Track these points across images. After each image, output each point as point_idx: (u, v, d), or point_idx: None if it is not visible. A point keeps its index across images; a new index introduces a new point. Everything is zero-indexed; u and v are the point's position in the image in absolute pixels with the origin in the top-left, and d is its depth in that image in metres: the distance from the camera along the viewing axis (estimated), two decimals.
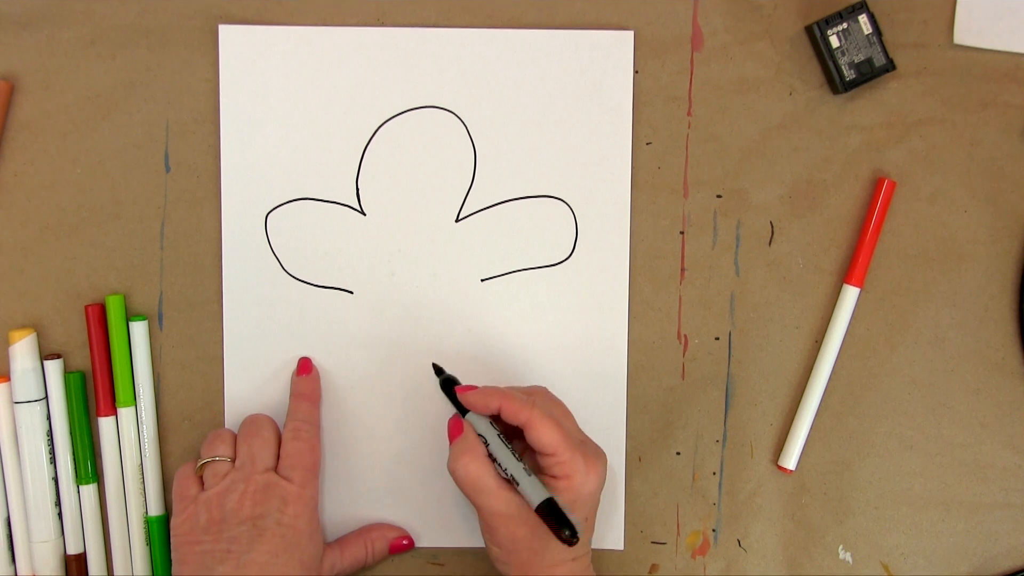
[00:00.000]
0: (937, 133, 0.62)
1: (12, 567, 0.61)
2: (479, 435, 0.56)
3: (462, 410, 0.57)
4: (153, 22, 0.61)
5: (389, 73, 0.61)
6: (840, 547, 0.63)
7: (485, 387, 0.56)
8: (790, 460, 0.62)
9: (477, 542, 0.62)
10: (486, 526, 0.55)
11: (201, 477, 0.58)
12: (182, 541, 0.56)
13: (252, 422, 0.59)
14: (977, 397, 0.62)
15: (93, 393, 0.61)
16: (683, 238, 0.62)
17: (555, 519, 0.51)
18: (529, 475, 0.53)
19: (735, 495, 0.63)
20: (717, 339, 0.62)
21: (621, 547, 0.62)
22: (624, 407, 0.62)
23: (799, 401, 0.62)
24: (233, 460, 0.57)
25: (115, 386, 0.61)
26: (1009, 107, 0.62)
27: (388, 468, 0.62)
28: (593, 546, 0.62)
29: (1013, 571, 0.62)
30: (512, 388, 0.56)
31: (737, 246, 0.62)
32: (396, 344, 0.62)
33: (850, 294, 0.61)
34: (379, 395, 0.62)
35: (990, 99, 0.62)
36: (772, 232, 0.62)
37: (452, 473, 0.55)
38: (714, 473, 0.63)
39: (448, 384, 0.59)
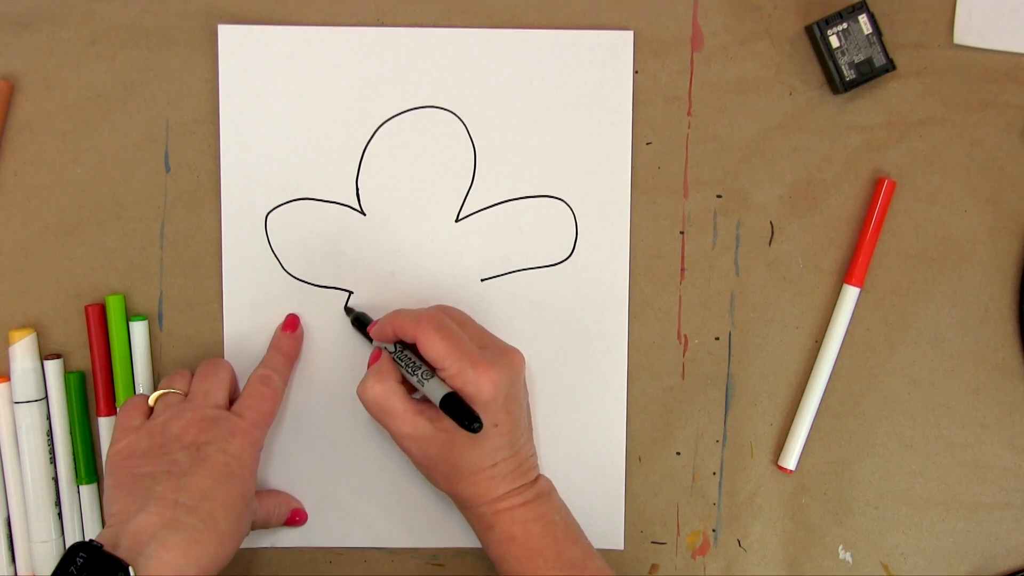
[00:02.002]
0: (937, 133, 0.62)
1: (12, 567, 0.61)
2: (392, 347, 0.57)
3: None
4: (153, 22, 0.61)
5: (389, 73, 0.61)
6: (840, 547, 0.63)
7: (383, 317, 0.57)
8: (790, 460, 0.62)
9: (477, 543, 0.62)
10: (401, 447, 0.56)
11: (151, 410, 0.57)
12: (118, 464, 0.54)
13: (211, 363, 0.58)
14: (977, 397, 0.62)
15: (93, 393, 0.61)
16: (683, 238, 0.62)
17: (456, 412, 0.52)
18: (430, 378, 0.54)
19: (735, 495, 0.63)
20: (717, 339, 0.62)
21: (621, 547, 0.62)
22: (624, 407, 0.62)
23: (799, 401, 0.62)
24: (187, 395, 0.57)
25: (115, 386, 0.61)
26: (1009, 107, 0.62)
27: (388, 468, 0.62)
28: (593, 546, 0.62)
29: (1013, 571, 0.62)
30: (405, 310, 0.57)
31: (737, 246, 0.62)
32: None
33: (850, 294, 0.61)
34: None
35: (990, 99, 0.62)
36: (772, 232, 0.62)
37: (360, 397, 0.55)
38: (714, 473, 0.63)
39: (359, 322, 0.60)
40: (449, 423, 0.54)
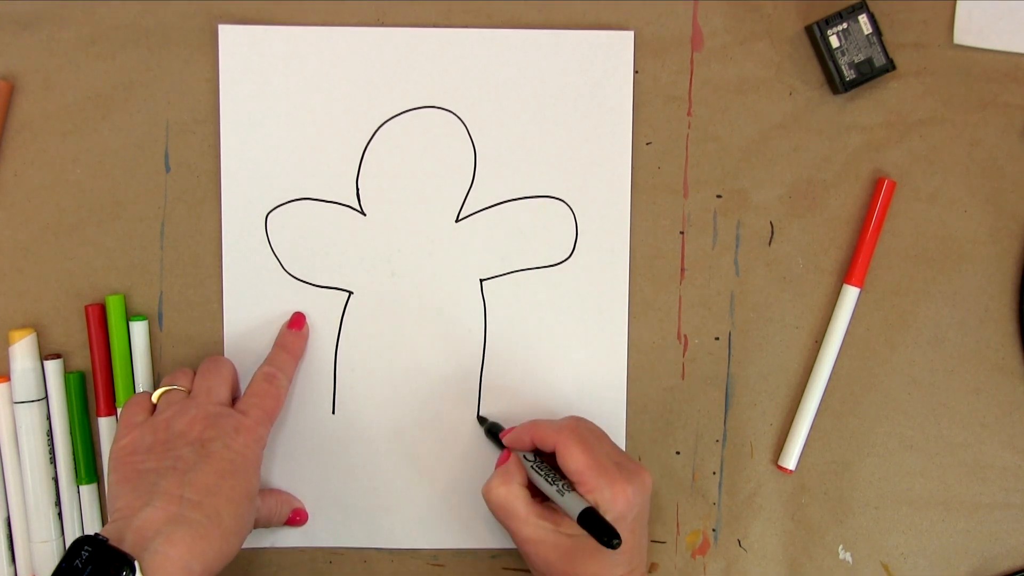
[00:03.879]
0: (937, 133, 0.62)
1: (12, 567, 0.61)
2: (524, 456, 0.57)
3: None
4: (153, 22, 0.61)
5: (389, 73, 0.61)
6: (840, 547, 0.63)
7: (520, 425, 0.57)
8: (790, 460, 0.62)
9: (477, 543, 0.62)
10: (520, 551, 0.56)
11: (155, 407, 0.57)
12: (122, 459, 0.54)
13: (213, 360, 0.58)
14: (977, 397, 0.62)
15: (93, 393, 0.61)
16: (683, 238, 0.62)
17: (595, 527, 0.51)
18: (570, 490, 0.54)
19: (735, 495, 0.63)
20: (717, 339, 0.62)
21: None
22: (624, 407, 0.62)
23: (799, 401, 0.62)
24: (190, 392, 0.57)
25: (115, 386, 0.61)
26: (1009, 107, 0.62)
27: (388, 468, 0.62)
28: None
29: (1013, 571, 0.62)
30: (545, 420, 0.57)
31: (737, 246, 0.62)
32: (396, 344, 0.62)
33: (850, 294, 0.61)
34: (379, 395, 0.62)
35: (990, 99, 0.62)
36: (772, 232, 0.62)
37: (485, 496, 0.56)
38: (714, 473, 0.63)
39: (492, 432, 0.60)
40: (570, 530, 0.54)
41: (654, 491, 0.62)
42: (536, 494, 0.56)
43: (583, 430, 0.55)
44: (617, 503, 0.53)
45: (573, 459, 0.54)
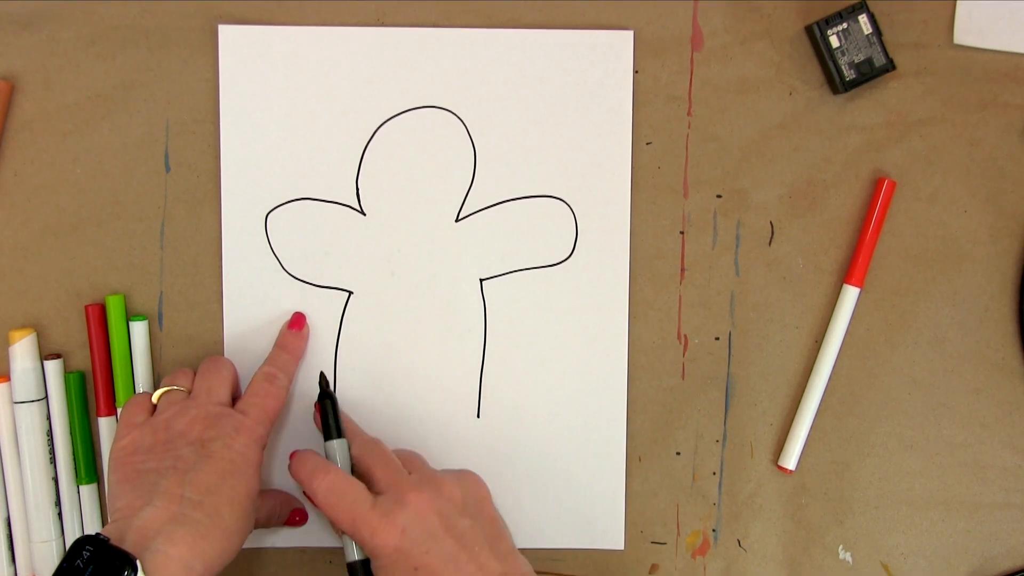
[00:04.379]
0: (937, 133, 0.62)
1: (12, 567, 0.61)
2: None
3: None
4: (153, 22, 0.61)
5: (389, 73, 0.61)
6: (840, 547, 0.63)
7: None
8: (790, 460, 0.62)
9: None
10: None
11: (155, 407, 0.56)
12: (122, 459, 0.53)
13: (213, 360, 0.58)
14: (977, 397, 0.62)
15: (93, 393, 0.61)
16: (683, 238, 0.62)
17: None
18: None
19: (735, 495, 0.63)
20: (717, 339, 0.62)
21: (621, 547, 0.62)
22: (624, 407, 0.62)
23: (799, 401, 0.62)
24: (190, 393, 0.57)
25: (115, 386, 0.61)
26: (1009, 107, 0.62)
27: None
28: (593, 546, 0.62)
29: (1013, 571, 0.62)
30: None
31: (737, 246, 0.62)
32: (396, 344, 0.62)
33: (850, 294, 0.61)
34: (378, 395, 0.62)
35: (990, 99, 0.62)
36: (772, 232, 0.62)
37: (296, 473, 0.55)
38: (714, 473, 0.63)
39: (323, 397, 0.57)
40: None
41: (654, 492, 0.62)
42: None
43: (343, 472, 0.54)
44: (389, 537, 0.51)
45: (330, 516, 0.53)
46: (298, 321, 0.61)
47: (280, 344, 0.60)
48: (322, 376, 0.57)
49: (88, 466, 0.61)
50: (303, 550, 0.62)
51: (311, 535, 0.62)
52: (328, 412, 0.56)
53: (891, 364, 0.62)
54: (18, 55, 0.60)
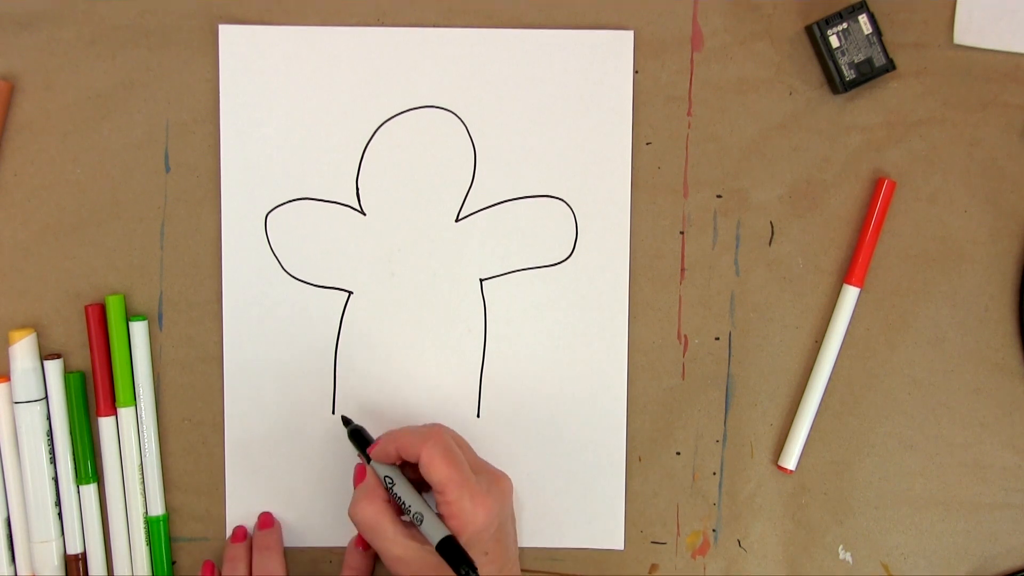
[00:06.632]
0: (937, 133, 0.62)
1: (12, 567, 0.61)
2: (385, 477, 0.56)
3: (368, 458, 0.58)
4: (153, 22, 0.61)
5: (389, 73, 0.61)
6: (840, 547, 0.63)
7: (382, 437, 0.57)
8: (790, 460, 0.62)
9: None
10: (389, 569, 0.56)
11: None
12: None
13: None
14: (977, 397, 0.62)
15: (93, 393, 0.61)
16: (683, 238, 0.62)
17: (451, 557, 0.52)
18: (431, 513, 0.54)
19: (735, 495, 0.63)
20: (717, 339, 0.62)
21: (621, 547, 0.62)
22: (624, 407, 0.62)
23: (799, 401, 0.62)
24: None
25: (115, 386, 0.61)
26: (1009, 107, 0.62)
27: None
28: (593, 546, 0.62)
29: (1013, 571, 0.62)
30: (408, 428, 0.56)
31: (737, 246, 0.62)
32: (396, 344, 0.62)
33: (850, 294, 0.61)
34: (378, 395, 0.62)
35: (990, 99, 0.62)
36: (772, 232, 0.62)
37: (351, 517, 0.56)
38: (714, 473, 0.63)
39: (355, 435, 0.59)
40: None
41: (654, 492, 0.62)
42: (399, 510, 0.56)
43: (447, 439, 0.55)
44: (478, 516, 0.53)
45: (436, 471, 0.53)
46: (266, 521, 0.61)
47: (259, 546, 0.60)
48: (343, 418, 0.60)
49: (88, 466, 0.61)
50: (303, 550, 0.62)
51: (311, 535, 0.62)
52: (362, 439, 0.58)
53: (891, 364, 0.62)
54: (18, 55, 0.60)
